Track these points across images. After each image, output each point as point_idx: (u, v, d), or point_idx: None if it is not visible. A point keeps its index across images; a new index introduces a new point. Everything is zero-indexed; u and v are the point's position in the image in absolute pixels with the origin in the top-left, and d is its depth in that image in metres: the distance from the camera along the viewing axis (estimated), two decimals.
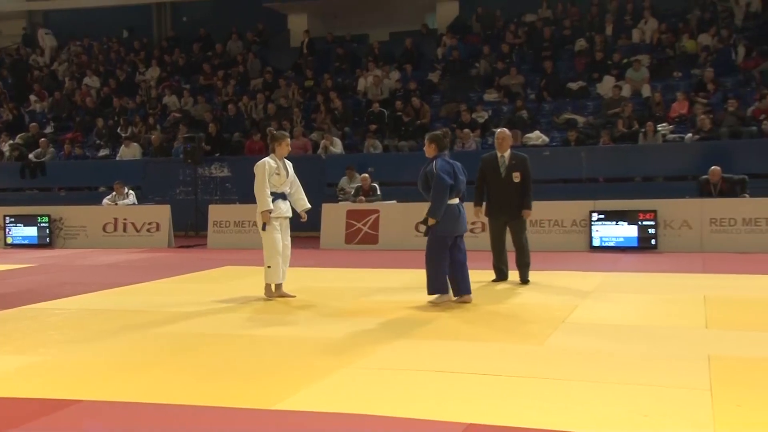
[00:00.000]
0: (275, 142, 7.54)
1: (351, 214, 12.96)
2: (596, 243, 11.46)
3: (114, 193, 14.83)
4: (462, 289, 7.02)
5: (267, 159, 7.52)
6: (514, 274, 8.43)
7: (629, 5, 18.06)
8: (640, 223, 11.31)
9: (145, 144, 17.40)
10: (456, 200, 6.98)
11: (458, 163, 7.18)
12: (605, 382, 4.34)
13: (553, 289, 7.98)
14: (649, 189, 13.40)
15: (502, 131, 8.55)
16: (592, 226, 11.51)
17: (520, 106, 15.57)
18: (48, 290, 8.50)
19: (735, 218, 11.14)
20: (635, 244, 11.26)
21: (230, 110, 17.70)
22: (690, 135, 13.83)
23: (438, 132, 7.21)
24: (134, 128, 17.99)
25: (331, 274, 9.64)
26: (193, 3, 23.13)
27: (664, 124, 14.26)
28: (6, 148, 18.18)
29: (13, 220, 14.60)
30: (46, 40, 22.69)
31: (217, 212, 13.97)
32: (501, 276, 8.41)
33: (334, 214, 13.05)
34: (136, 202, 14.94)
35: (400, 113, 16.20)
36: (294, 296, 7.55)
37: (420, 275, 9.06)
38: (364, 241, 12.76)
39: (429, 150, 7.04)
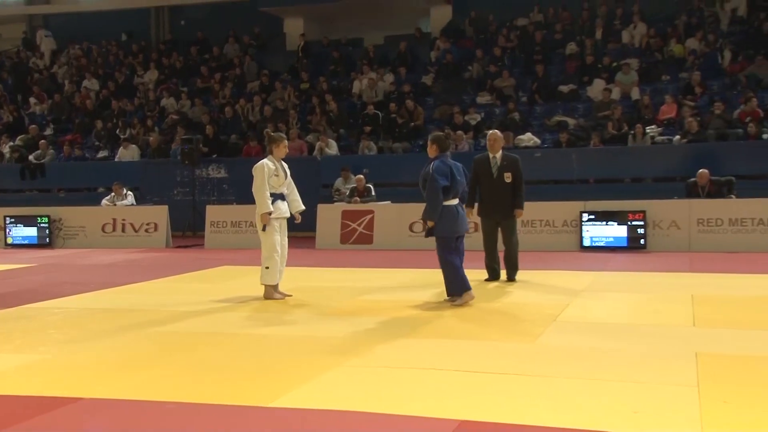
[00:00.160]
0: (273, 143, 7.54)
1: (346, 215, 13.03)
2: (587, 243, 11.55)
3: (113, 194, 14.91)
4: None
5: (265, 161, 7.51)
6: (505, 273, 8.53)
7: (619, 10, 18.14)
8: (629, 223, 11.38)
9: (143, 146, 17.47)
10: (454, 201, 6.95)
11: (459, 164, 7.15)
12: (596, 379, 4.38)
13: (545, 288, 8.05)
14: (639, 190, 13.48)
15: (494, 133, 8.63)
16: (583, 227, 11.60)
17: (512, 108, 15.65)
18: (48, 290, 8.52)
19: (722, 219, 11.24)
20: (625, 244, 11.35)
21: (227, 112, 17.81)
22: (678, 137, 13.95)
23: (440, 133, 7.24)
24: (132, 130, 18.09)
25: (326, 273, 9.65)
26: (190, 7, 23.20)
27: (652, 127, 14.38)
28: (6, 149, 18.29)
29: (13, 220, 14.66)
30: (46, 42, 22.80)
31: (214, 213, 14.03)
32: (493, 275, 8.49)
33: (329, 215, 13.11)
34: (135, 203, 15.00)
35: (394, 115, 16.30)
36: (290, 295, 7.59)
37: (414, 274, 9.28)
38: (359, 241, 12.82)
39: (431, 151, 7.03)
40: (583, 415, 3.73)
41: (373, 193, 13.57)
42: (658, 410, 3.79)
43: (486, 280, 8.44)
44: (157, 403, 4.11)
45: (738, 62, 15.60)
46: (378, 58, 18.96)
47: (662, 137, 14.25)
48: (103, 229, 14.40)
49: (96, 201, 15.35)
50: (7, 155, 18.21)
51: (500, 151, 8.40)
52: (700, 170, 11.90)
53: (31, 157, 17.74)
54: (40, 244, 14.39)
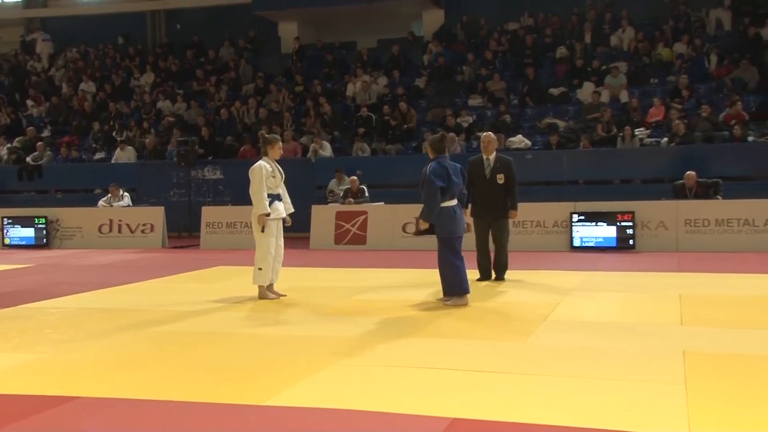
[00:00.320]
0: (268, 145, 7.57)
1: (340, 216, 13.08)
2: (577, 243, 11.66)
3: (109, 195, 14.95)
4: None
5: (261, 162, 7.51)
6: None
7: (607, 15, 18.30)
8: (618, 224, 11.44)
9: (139, 147, 17.56)
10: (452, 202, 6.92)
11: (457, 165, 7.11)
12: (586, 378, 4.41)
13: (536, 287, 8.09)
14: (627, 191, 13.57)
15: (488, 135, 8.66)
16: (573, 227, 11.70)
17: (503, 111, 15.79)
18: (45, 290, 8.52)
19: (708, 219, 11.35)
20: (614, 244, 11.44)
21: (223, 115, 17.92)
22: (666, 139, 14.12)
23: (436, 135, 7.23)
24: (129, 132, 18.18)
25: (321, 273, 9.67)
26: (186, 11, 23.27)
27: (641, 129, 14.55)
28: (4, 151, 18.36)
29: (10, 221, 14.70)
30: (43, 46, 22.92)
31: (209, 214, 14.07)
32: (485, 275, 8.54)
33: (323, 216, 13.17)
34: (131, 204, 15.04)
35: (387, 118, 16.44)
36: (285, 295, 7.62)
37: (407, 274, 9.34)
38: (352, 241, 12.88)
39: (429, 152, 7.07)
40: (574, 412, 3.77)
41: (367, 194, 13.63)
42: (647, 407, 3.84)
43: (477, 279, 8.45)
44: (153, 402, 4.13)
45: (724, 66, 15.77)
46: (371, 61, 19.08)
47: (650, 139, 14.40)
48: (99, 230, 14.44)
49: (93, 202, 15.40)
50: (5, 157, 18.28)
51: (494, 153, 8.45)
52: (688, 172, 12.02)
53: (28, 159, 17.84)
54: (37, 244, 14.43)
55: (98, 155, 17.94)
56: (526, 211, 11.55)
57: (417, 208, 12.81)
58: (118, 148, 17.40)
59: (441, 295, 7.15)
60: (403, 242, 12.60)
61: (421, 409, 3.87)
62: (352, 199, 13.49)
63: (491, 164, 8.41)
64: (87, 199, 16.28)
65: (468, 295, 6.97)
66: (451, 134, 15.00)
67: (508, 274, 8.65)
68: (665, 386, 4.20)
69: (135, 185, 16.26)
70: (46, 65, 22.58)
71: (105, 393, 4.31)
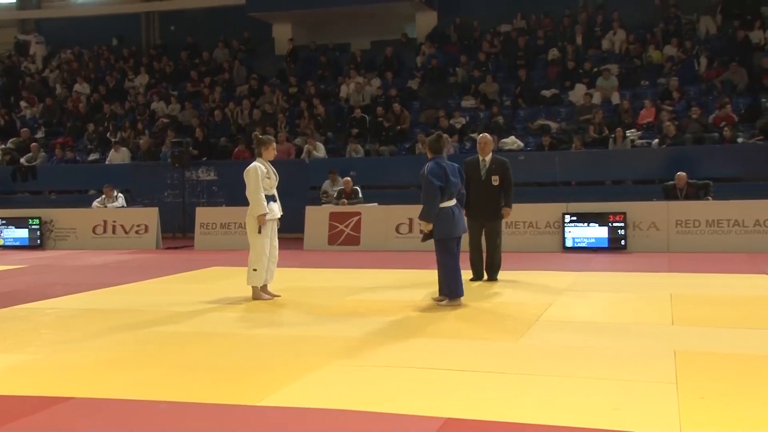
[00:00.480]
0: (262, 146, 7.56)
1: (334, 217, 13.11)
2: (569, 244, 11.72)
3: (103, 196, 14.91)
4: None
5: (256, 163, 7.51)
6: None
7: (599, 17, 18.42)
8: (610, 224, 11.49)
9: (134, 148, 17.57)
10: (451, 203, 6.87)
11: (455, 165, 7.09)
12: (577, 377, 4.43)
13: (528, 287, 8.12)
14: (619, 192, 13.59)
15: (484, 136, 8.65)
16: (565, 228, 11.75)
17: (496, 112, 15.87)
18: (39, 290, 8.49)
19: (699, 220, 11.43)
20: (606, 245, 11.50)
21: (217, 116, 17.97)
22: (657, 141, 14.20)
23: (432, 135, 7.20)
24: (123, 133, 18.18)
25: (315, 274, 9.66)
26: (180, 12, 23.27)
27: (632, 130, 14.65)
28: None
29: (4, 222, 14.66)
30: (37, 48, 22.92)
31: (204, 214, 14.09)
32: (477, 275, 8.57)
33: (317, 217, 13.20)
34: (125, 205, 15.04)
35: (381, 119, 16.50)
36: (279, 296, 7.64)
37: (400, 275, 9.35)
38: (346, 242, 12.91)
39: (427, 153, 7.06)
40: (565, 412, 3.79)
41: (360, 195, 13.68)
42: (638, 406, 3.86)
43: (470, 279, 8.49)
44: (148, 402, 4.13)
45: (713, 69, 15.89)
46: (365, 63, 19.15)
47: (642, 141, 14.50)
48: (93, 231, 14.43)
49: (87, 203, 15.38)
50: None
51: (490, 154, 8.49)
52: (679, 173, 12.10)
53: (22, 160, 17.83)
54: (31, 245, 14.41)
55: (92, 156, 17.93)
56: (518, 211, 11.59)
57: (410, 209, 12.94)
58: (113, 149, 17.40)
59: (435, 295, 7.18)
60: (397, 243, 12.67)
61: (414, 409, 3.88)
62: (345, 200, 13.53)
63: (487, 165, 8.45)
64: (81, 200, 16.24)
65: (461, 300, 6.97)
66: (445, 135, 15.01)
67: (501, 275, 8.69)
68: (657, 386, 4.23)
69: (129, 186, 16.24)
70: (41, 66, 22.57)
71: (100, 393, 4.31)
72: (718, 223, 11.42)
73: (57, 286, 8.85)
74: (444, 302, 6.97)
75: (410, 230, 12.68)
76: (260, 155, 7.62)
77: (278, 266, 7.91)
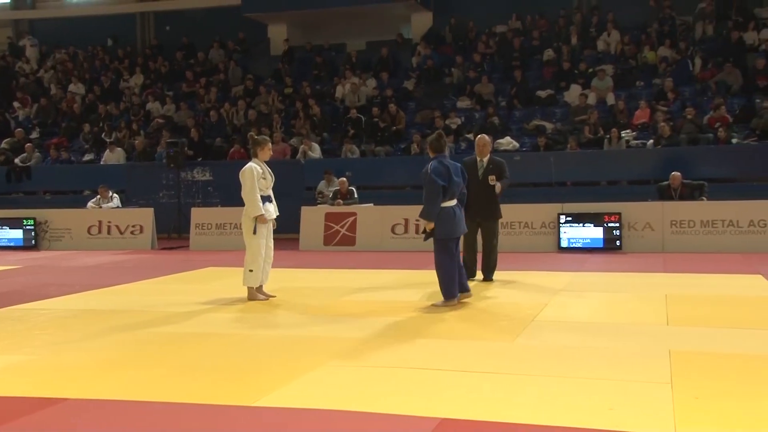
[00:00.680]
0: (257, 146, 7.57)
1: (329, 217, 13.13)
2: (564, 244, 11.76)
3: (98, 196, 14.91)
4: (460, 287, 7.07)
5: (252, 164, 7.51)
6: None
7: (594, 18, 18.47)
8: (605, 225, 11.54)
9: (129, 149, 17.57)
10: (452, 202, 6.85)
11: (457, 164, 7.07)
12: (573, 377, 4.43)
13: (524, 288, 8.14)
14: (614, 192, 13.63)
15: (482, 137, 8.68)
16: (561, 228, 11.78)
17: (491, 113, 15.90)
18: (34, 291, 8.48)
19: (694, 220, 11.50)
20: (601, 245, 11.55)
21: (212, 116, 17.97)
22: (651, 141, 14.26)
23: (433, 135, 7.18)
24: (118, 134, 18.17)
25: (310, 274, 9.67)
26: (175, 12, 23.23)
27: (627, 131, 14.69)
28: None
29: None
30: (32, 51, 22.89)
31: (199, 215, 14.09)
32: (470, 274, 8.38)
33: (312, 217, 13.21)
34: (120, 206, 15.02)
35: (376, 119, 16.52)
36: (274, 296, 7.65)
37: (396, 275, 9.35)
38: (342, 242, 12.93)
39: (429, 152, 7.06)
40: (561, 412, 3.80)
41: (356, 195, 13.70)
42: (633, 406, 3.87)
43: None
44: (143, 403, 4.14)
45: (708, 69, 15.95)
46: (360, 64, 19.17)
47: (637, 141, 14.55)
48: (88, 231, 14.41)
49: (82, 203, 15.36)
50: None
51: (488, 155, 8.54)
52: (673, 173, 12.15)
53: (17, 160, 17.80)
54: (25, 246, 14.39)
55: (87, 157, 17.91)
56: (514, 212, 11.71)
57: (406, 210, 12.96)
58: (107, 150, 17.39)
59: (430, 295, 7.21)
60: (392, 243, 12.69)
61: (409, 409, 3.89)
62: (341, 201, 13.54)
63: (484, 166, 8.49)
64: (76, 200, 16.22)
65: (456, 300, 6.97)
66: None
67: (497, 275, 8.72)
68: (652, 385, 4.24)
69: (124, 187, 16.24)
70: (35, 67, 22.52)
71: (95, 394, 4.31)
72: (713, 224, 11.47)
73: (52, 287, 8.84)
74: (439, 302, 6.98)
75: (406, 231, 12.70)
76: (256, 156, 7.62)
77: (273, 267, 7.92)
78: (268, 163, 7.78)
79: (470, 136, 14.90)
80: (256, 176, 7.42)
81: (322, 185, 14.55)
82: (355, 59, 19.23)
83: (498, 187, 8.37)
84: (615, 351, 5.14)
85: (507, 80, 17.44)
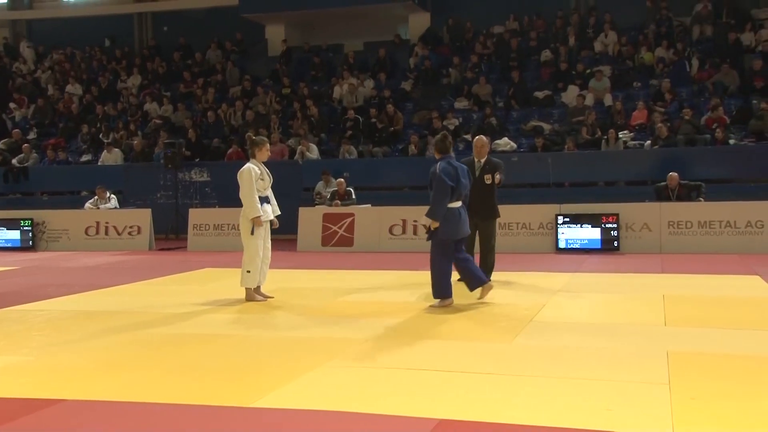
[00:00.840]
0: (255, 147, 7.56)
1: (327, 218, 13.15)
2: (562, 245, 11.77)
3: (96, 197, 14.90)
4: (477, 280, 7.13)
5: (250, 165, 7.51)
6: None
7: (591, 19, 18.49)
8: (603, 225, 11.57)
9: (126, 149, 17.58)
10: (457, 204, 6.88)
11: (464, 166, 7.13)
12: (570, 378, 4.45)
13: (521, 288, 8.15)
14: (612, 193, 13.66)
15: (480, 138, 8.68)
16: (558, 229, 11.80)
17: (489, 113, 15.91)
18: (31, 292, 8.49)
19: (691, 221, 11.50)
20: (599, 246, 11.57)
21: (210, 117, 17.94)
22: (649, 142, 14.27)
23: (438, 136, 7.19)
24: (116, 134, 18.16)
25: (308, 275, 9.69)
26: (173, 13, 23.22)
27: (625, 132, 14.71)
28: None
29: None
30: (28, 52, 22.87)
31: (197, 216, 14.09)
32: None
33: (310, 218, 13.23)
34: (118, 206, 15.03)
35: (374, 120, 16.53)
36: (272, 297, 7.67)
37: (393, 276, 9.37)
38: (339, 243, 12.93)
39: (435, 153, 7.08)
40: (558, 412, 3.81)
41: (354, 196, 13.70)
42: (631, 407, 3.88)
43: (459, 280, 8.33)
44: (140, 404, 4.14)
45: (705, 70, 15.99)
46: (358, 64, 19.17)
47: (634, 142, 14.56)
48: (86, 232, 14.40)
49: (79, 204, 15.37)
50: None
51: (486, 156, 8.57)
52: (670, 173, 12.16)
53: (14, 161, 17.79)
54: (23, 247, 14.38)
55: (84, 157, 17.91)
56: (512, 213, 11.73)
57: (404, 210, 12.94)
58: (105, 151, 17.38)
59: (428, 296, 7.20)
60: (390, 244, 12.70)
61: (407, 410, 3.89)
62: (339, 201, 13.55)
63: (481, 166, 8.51)
64: (73, 201, 16.23)
65: (450, 300, 6.99)
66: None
67: (494, 276, 8.65)
68: (649, 386, 4.25)
69: (122, 187, 16.25)
70: (32, 67, 22.50)
71: (93, 395, 4.32)
72: (710, 224, 11.49)
73: (49, 288, 8.84)
74: (436, 303, 7.00)
75: (404, 231, 12.71)
76: (254, 156, 7.63)
77: (271, 267, 7.92)
78: (266, 164, 7.78)
79: (468, 136, 14.90)
80: (254, 177, 7.43)
81: (319, 186, 14.55)
82: (352, 60, 19.22)
83: (497, 178, 8.37)
84: (613, 352, 5.14)
85: (504, 81, 17.45)
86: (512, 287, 8.32)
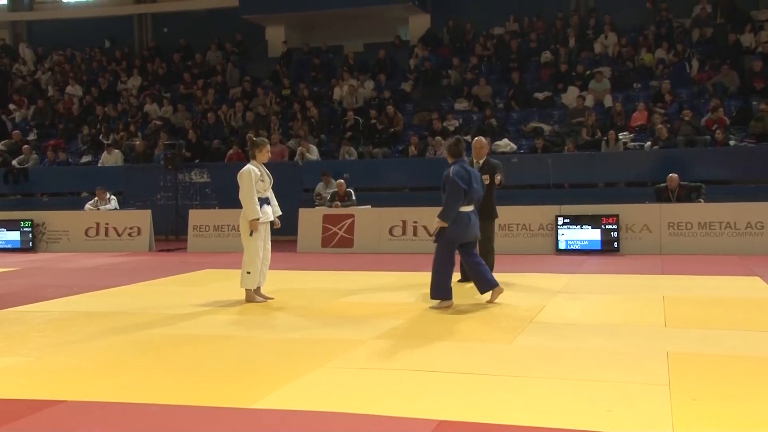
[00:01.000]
0: (256, 148, 7.56)
1: (327, 219, 13.14)
2: (562, 246, 11.76)
3: (96, 198, 14.90)
4: (488, 284, 7.17)
5: (250, 166, 7.50)
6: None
7: (591, 20, 18.52)
8: (603, 227, 11.55)
9: (126, 151, 17.59)
10: (469, 208, 6.94)
11: (476, 171, 7.21)
12: (570, 379, 4.44)
13: (521, 289, 8.11)
14: (612, 194, 13.63)
15: (479, 140, 8.70)
16: (558, 230, 11.79)
17: (489, 114, 15.92)
18: (31, 293, 8.50)
19: (691, 222, 11.49)
20: (599, 247, 11.55)
21: (210, 118, 17.98)
22: (649, 143, 14.28)
23: (451, 140, 7.26)
24: (116, 135, 18.18)
25: (308, 276, 9.69)
26: (173, 14, 23.27)
27: (625, 133, 14.72)
28: None
29: None
30: (27, 54, 22.90)
31: (197, 217, 14.07)
32: (466, 276, 8.46)
33: (310, 219, 13.22)
34: (118, 207, 15.03)
35: (374, 121, 16.54)
36: (272, 298, 7.67)
37: (393, 277, 9.35)
38: (339, 244, 12.92)
39: (447, 158, 7.13)
40: (559, 414, 3.81)
41: (354, 197, 13.70)
42: (631, 408, 3.88)
43: (459, 281, 8.50)
44: (140, 405, 4.14)
45: (705, 71, 16.00)
46: (358, 65, 19.20)
47: (634, 143, 14.56)
48: (86, 233, 14.40)
49: (79, 205, 15.37)
50: None
51: (485, 158, 8.60)
52: (670, 174, 12.17)
53: (14, 162, 17.80)
54: (23, 248, 14.39)
55: (85, 158, 17.92)
56: (512, 214, 11.73)
57: (404, 211, 12.94)
58: (105, 152, 17.39)
59: (428, 297, 7.21)
60: (390, 245, 12.70)
61: (407, 411, 3.89)
62: (339, 203, 13.54)
63: (479, 167, 8.49)
64: (73, 202, 16.23)
65: (450, 302, 7.00)
66: (438, 138, 15.11)
67: (494, 277, 8.70)
68: (650, 387, 4.25)
69: (122, 188, 16.26)
70: (32, 68, 22.51)
71: (92, 396, 4.32)
72: (710, 226, 11.48)
73: (49, 289, 8.83)
74: (436, 304, 7.01)
75: (404, 232, 12.70)
76: (254, 157, 7.62)
77: (271, 268, 7.92)
78: (266, 165, 7.77)
79: (468, 138, 14.89)
80: (254, 178, 7.42)
81: (319, 187, 14.55)
82: (352, 61, 19.24)
83: (498, 179, 8.39)
84: (613, 352, 5.14)
85: (504, 82, 17.47)
86: (512, 288, 8.26)
